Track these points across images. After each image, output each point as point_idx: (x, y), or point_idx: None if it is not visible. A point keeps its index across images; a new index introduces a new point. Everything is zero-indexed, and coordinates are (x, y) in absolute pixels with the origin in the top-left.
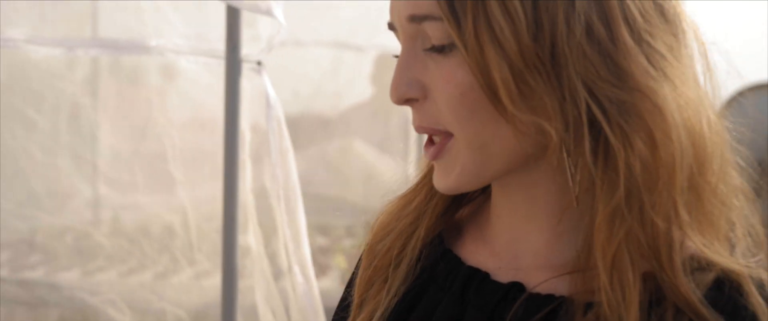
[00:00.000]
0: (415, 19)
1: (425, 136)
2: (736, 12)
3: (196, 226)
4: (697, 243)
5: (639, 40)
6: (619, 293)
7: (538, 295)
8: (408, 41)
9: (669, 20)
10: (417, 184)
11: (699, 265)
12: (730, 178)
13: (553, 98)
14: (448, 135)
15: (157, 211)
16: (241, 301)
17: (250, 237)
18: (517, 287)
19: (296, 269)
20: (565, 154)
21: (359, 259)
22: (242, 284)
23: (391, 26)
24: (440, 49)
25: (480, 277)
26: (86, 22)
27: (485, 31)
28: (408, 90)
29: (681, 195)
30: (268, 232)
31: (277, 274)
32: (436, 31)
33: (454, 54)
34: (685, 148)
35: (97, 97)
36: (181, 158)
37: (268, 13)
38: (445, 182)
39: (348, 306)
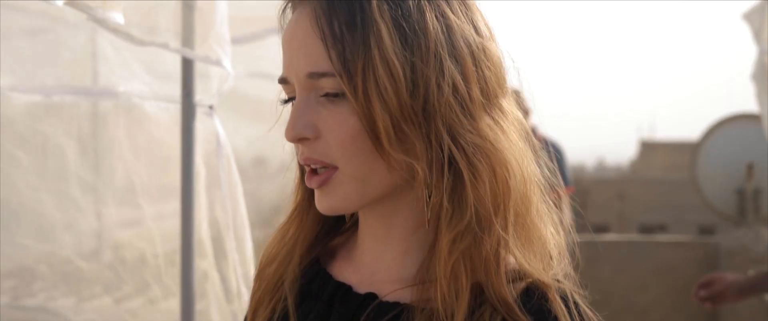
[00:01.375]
0: (314, 76)
1: None
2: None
3: (163, 254)
4: (518, 258)
5: (487, 98)
6: (453, 298)
7: (387, 302)
8: (304, 91)
9: (502, 86)
10: (291, 216)
11: (516, 276)
12: (543, 211)
13: (422, 142)
14: (333, 168)
15: (130, 240)
16: None
17: (206, 262)
18: (371, 297)
19: (244, 291)
20: (424, 186)
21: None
22: (201, 305)
23: (283, 80)
24: (334, 96)
25: (344, 289)
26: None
27: (373, 88)
28: (303, 130)
29: (511, 220)
30: (220, 258)
31: (229, 297)
32: (331, 84)
33: (345, 103)
34: (519, 182)
35: (73, 137)
36: (146, 192)
37: (218, 63)
38: (328, 205)
39: None
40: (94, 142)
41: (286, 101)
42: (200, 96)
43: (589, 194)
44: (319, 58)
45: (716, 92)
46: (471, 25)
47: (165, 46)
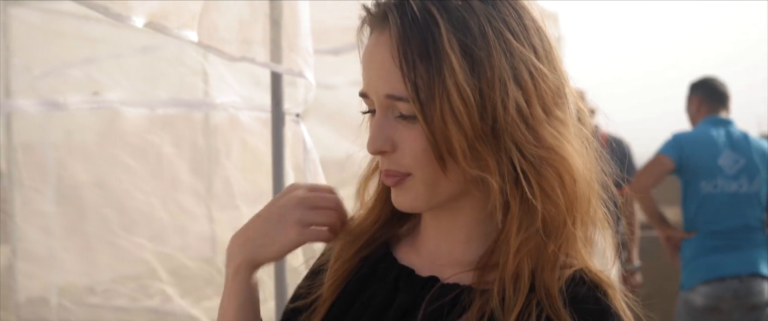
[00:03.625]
0: (391, 98)
1: None
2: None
3: None
4: (579, 259)
5: (547, 112)
6: (511, 289)
7: (447, 284)
8: (382, 109)
9: (559, 99)
10: (371, 209)
11: (574, 275)
12: (602, 214)
13: (493, 158)
14: (407, 174)
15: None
16: None
17: (296, 260)
18: (433, 279)
19: None
20: (499, 196)
21: (319, 258)
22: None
23: (364, 94)
24: (410, 118)
25: (408, 272)
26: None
27: (448, 113)
28: (383, 145)
29: (577, 224)
30: (309, 256)
31: None
32: (406, 107)
33: (418, 122)
34: (583, 187)
35: (178, 146)
36: (244, 195)
37: (300, 75)
38: (399, 203)
39: (300, 296)
40: (192, 149)
41: (366, 112)
42: (288, 105)
43: None
44: (395, 83)
45: None
46: (530, 48)
47: (253, 60)
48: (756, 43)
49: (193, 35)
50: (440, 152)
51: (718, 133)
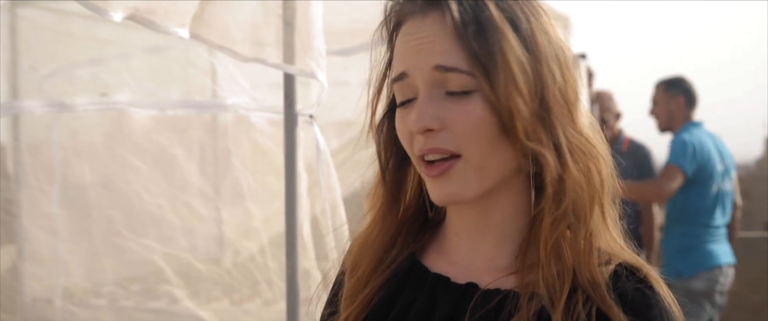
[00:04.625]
0: (442, 68)
1: None
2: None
3: (270, 253)
4: (610, 244)
5: (576, 95)
6: (555, 279)
7: (489, 290)
8: (428, 86)
9: (578, 92)
10: (379, 216)
11: (607, 260)
12: (616, 209)
13: (545, 135)
14: (455, 157)
15: (240, 243)
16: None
17: (308, 262)
18: (472, 286)
19: None
20: (550, 174)
21: (336, 278)
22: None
23: (401, 76)
24: (461, 94)
25: (443, 280)
26: (185, 86)
27: (511, 83)
28: (431, 122)
29: (605, 210)
30: (319, 257)
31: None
32: (458, 80)
33: (471, 98)
34: (605, 176)
35: (186, 147)
36: (254, 196)
37: (313, 76)
38: (445, 192)
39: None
40: (202, 150)
41: (401, 104)
42: (301, 106)
43: None
44: (448, 53)
45: None
46: (556, 33)
47: (264, 61)
48: (758, 44)
49: (184, 32)
50: (503, 122)
51: (707, 138)
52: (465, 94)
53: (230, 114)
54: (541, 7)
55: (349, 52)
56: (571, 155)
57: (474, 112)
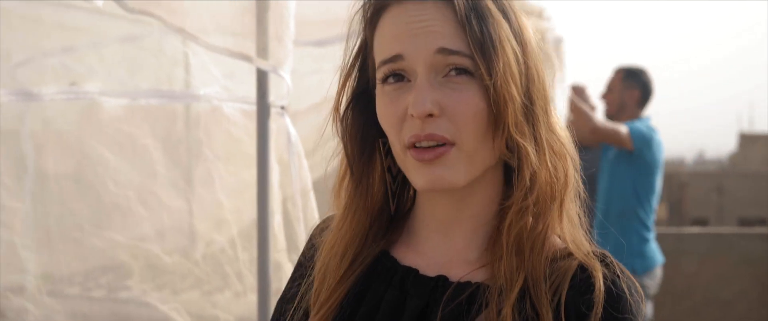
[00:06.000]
0: (445, 51)
1: None
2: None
3: (241, 246)
4: (569, 239)
5: (551, 95)
6: (513, 270)
7: (460, 283)
8: (428, 69)
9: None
10: (349, 211)
11: (565, 255)
12: (576, 204)
13: (528, 128)
14: (449, 145)
15: (210, 234)
16: None
17: (279, 254)
18: (442, 279)
19: None
20: (527, 168)
21: (299, 261)
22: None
23: (394, 58)
24: (460, 74)
25: (413, 273)
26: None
27: (508, 70)
28: (432, 107)
29: (565, 207)
30: (291, 249)
31: None
32: (461, 62)
33: (470, 85)
34: (571, 176)
35: (157, 138)
36: (225, 187)
37: (276, 72)
38: (434, 177)
39: (291, 298)
40: (173, 141)
41: (384, 79)
42: (273, 97)
43: (688, 188)
44: (451, 37)
45: None
46: (533, 33)
47: (239, 55)
48: (758, 44)
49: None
50: (497, 111)
51: (654, 134)
52: (464, 76)
53: (203, 104)
54: (519, 8)
55: (323, 43)
56: (546, 151)
57: (473, 100)
